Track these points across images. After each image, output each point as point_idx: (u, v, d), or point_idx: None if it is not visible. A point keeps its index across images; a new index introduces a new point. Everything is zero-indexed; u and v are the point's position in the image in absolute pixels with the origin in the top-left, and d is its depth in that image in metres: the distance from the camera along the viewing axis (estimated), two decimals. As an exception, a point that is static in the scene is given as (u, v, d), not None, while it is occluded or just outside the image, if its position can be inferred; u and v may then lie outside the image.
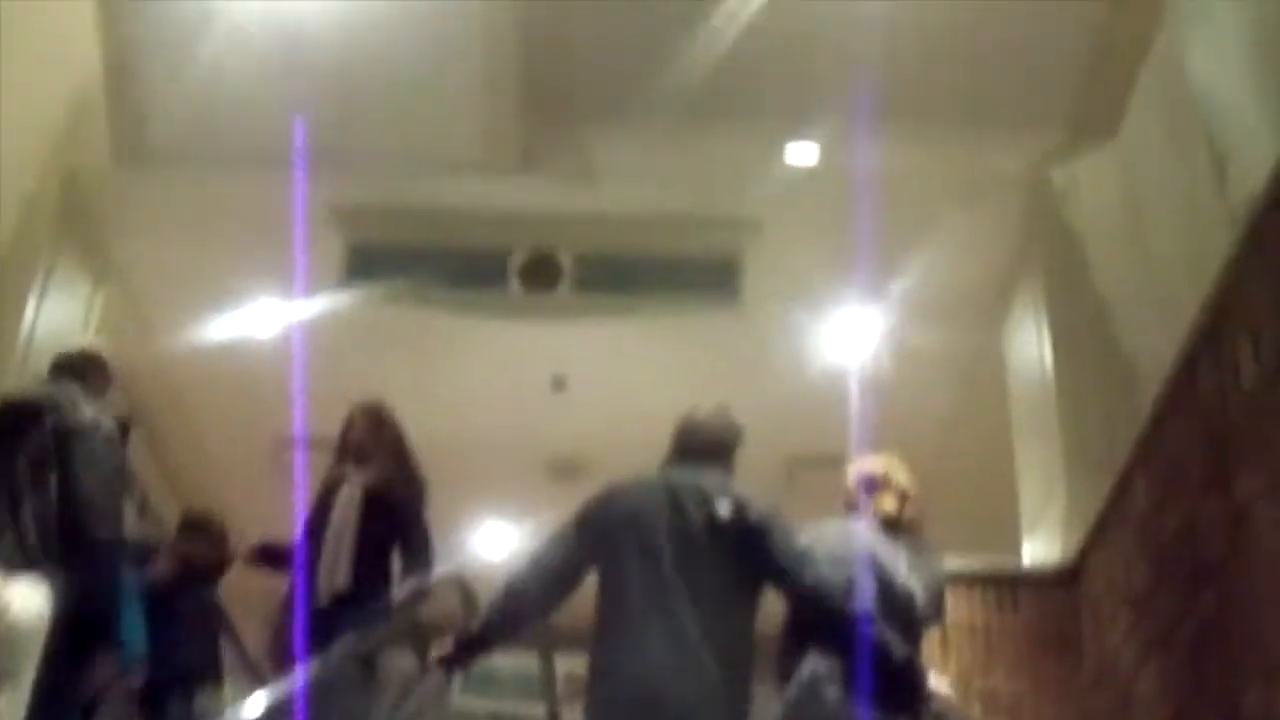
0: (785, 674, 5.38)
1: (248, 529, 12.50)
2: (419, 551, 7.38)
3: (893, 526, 5.75)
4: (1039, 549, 8.86)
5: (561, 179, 9.36)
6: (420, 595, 7.03)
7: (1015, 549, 9.24)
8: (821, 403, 10.32)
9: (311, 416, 11.52)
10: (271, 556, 7.80)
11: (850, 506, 5.91)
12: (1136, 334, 8.30)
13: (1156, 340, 7.37)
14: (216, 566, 8.19)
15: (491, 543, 12.74)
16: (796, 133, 8.83)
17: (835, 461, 6.88)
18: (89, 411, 6.07)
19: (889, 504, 5.81)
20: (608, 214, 9.81)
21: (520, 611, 5.56)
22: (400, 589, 7.14)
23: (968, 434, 10.80)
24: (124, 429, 6.40)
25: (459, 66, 8.60)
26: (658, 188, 9.54)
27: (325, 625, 6.94)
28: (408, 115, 8.82)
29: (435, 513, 12.06)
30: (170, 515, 12.47)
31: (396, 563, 7.42)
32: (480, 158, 9.02)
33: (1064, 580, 7.99)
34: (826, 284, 9.82)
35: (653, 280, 9.91)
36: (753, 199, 9.43)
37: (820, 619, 5.28)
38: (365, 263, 9.92)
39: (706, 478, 5.46)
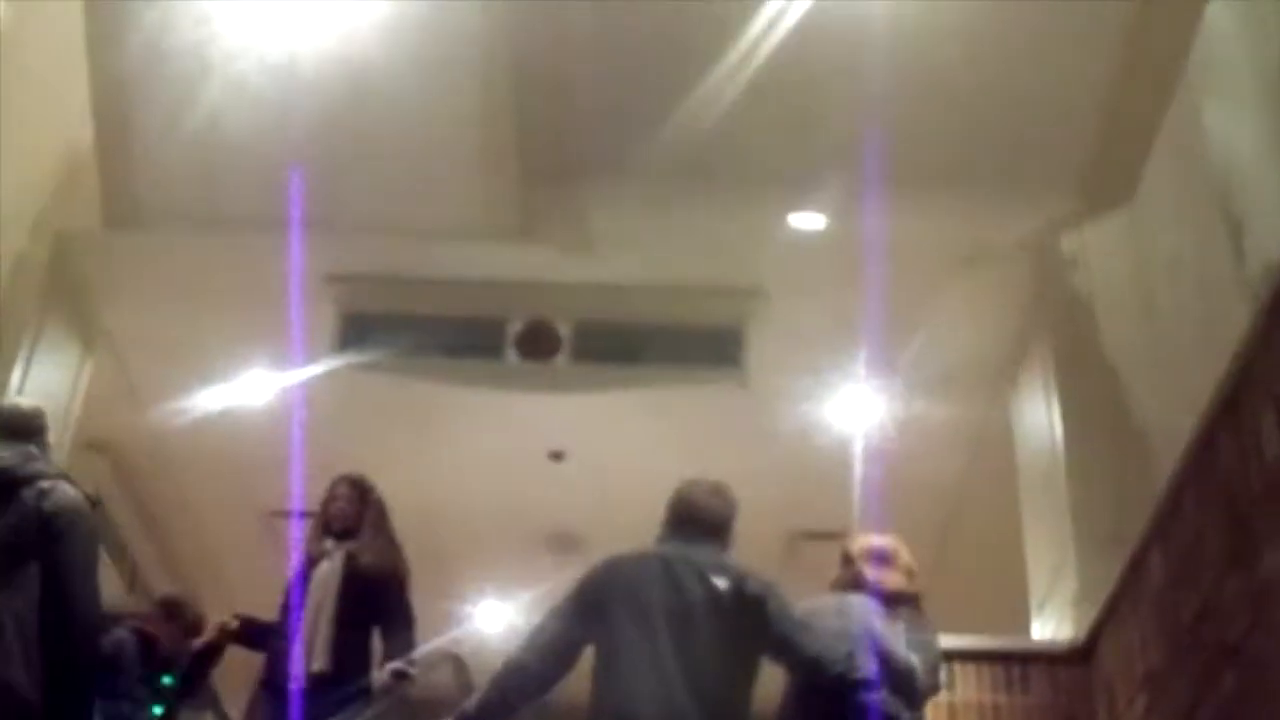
0: None
1: (240, 603, 12.42)
2: (402, 632, 7.02)
3: (895, 601, 5.71)
4: (1049, 626, 8.63)
5: (560, 246, 9.16)
6: (404, 677, 6.75)
7: (1024, 626, 9.03)
8: (825, 476, 10.26)
9: (304, 489, 11.50)
10: (250, 634, 7.43)
11: (846, 579, 5.89)
12: (1148, 405, 8.11)
13: (1169, 411, 7.25)
14: (181, 653, 7.78)
15: (489, 619, 12.64)
16: (800, 200, 8.63)
17: (838, 537, 6.84)
18: (70, 491, 5.53)
19: (896, 579, 5.81)
20: (607, 282, 9.62)
21: (518, 689, 5.42)
22: (382, 671, 6.79)
23: (975, 508, 10.75)
24: (93, 505, 5.94)
25: (456, 131, 8.40)
26: (659, 255, 9.39)
27: (303, 707, 6.63)
28: (404, 180, 8.63)
29: (430, 587, 11.95)
30: (162, 589, 12.45)
31: (378, 643, 7.09)
32: (477, 224, 8.83)
33: (1076, 659, 7.76)
34: (831, 354, 9.66)
35: (653, 350, 9.71)
36: (756, 267, 9.31)
37: (823, 689, 5.24)
38: (359, 331, 9.71)
39: (703, 552, 5.42)
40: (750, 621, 5.23)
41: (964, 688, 7.71)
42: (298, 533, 11.77)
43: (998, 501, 9.94)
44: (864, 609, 5.58)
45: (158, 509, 12.00)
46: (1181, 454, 6.11)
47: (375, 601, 7.03)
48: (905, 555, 5.92)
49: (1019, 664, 7.85)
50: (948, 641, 6.90)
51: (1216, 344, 6.19)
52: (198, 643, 7.62)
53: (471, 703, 5.44)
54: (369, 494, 7.51)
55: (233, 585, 11.82)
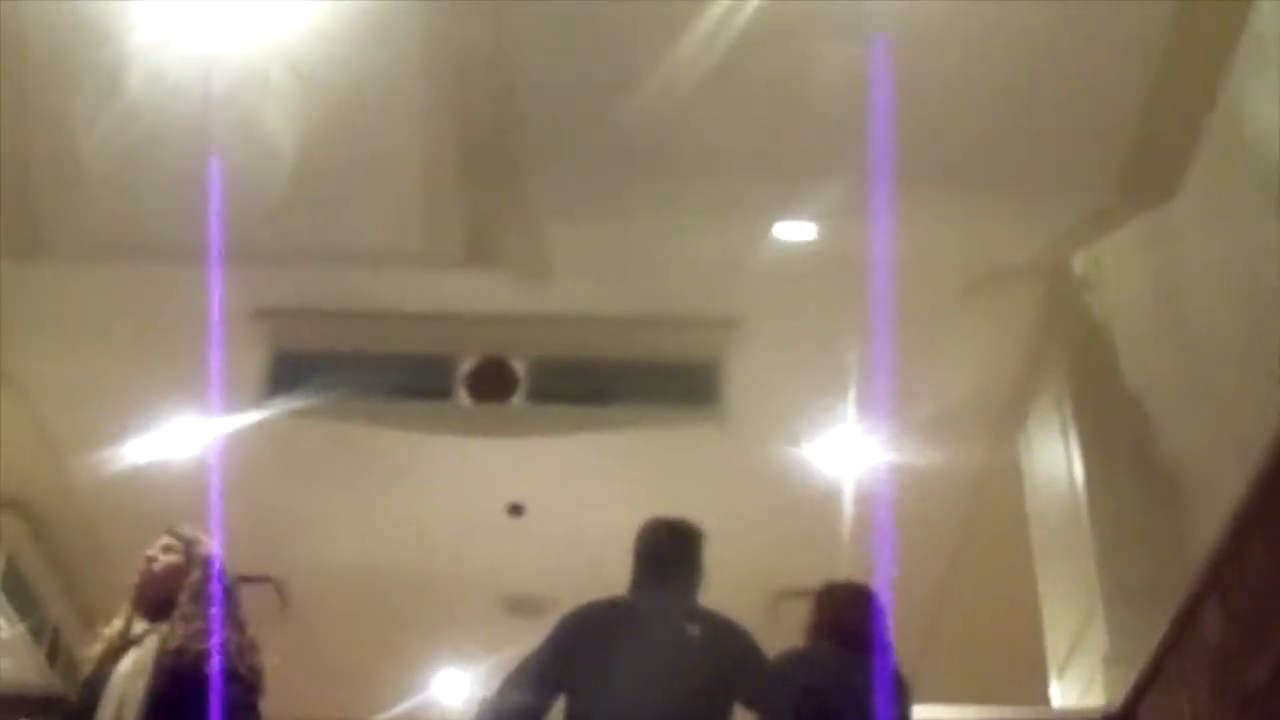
0: None
1: None
2: None
3: (855, 645, 5.59)
4: (1072, 693, 7.93)
5: (514, 273, 8.37)
6: None
7: (1041, 693, 8.42)
8: (813, 527, 9.67)
9: (236, 551, 10.65)
10: None
11: (817, 624, 5.86)
12: (1180, 439, 7.40)
13: (1206, 444, 6.77)
14: None
15: (447, 689, 12.08)
16: (787, 208, 7.76)
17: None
18: None
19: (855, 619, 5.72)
20: (567, 313, 8.86)
21: None
22: None
23: (981, 561, 10.19)
24: None
25: (396, 141, 7.59)
26: (624, 281, 8.62)
27: None
28: (339, 202, 7.85)
29: (381, 655, 11.53)
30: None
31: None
32: (420, 250, 8.03)
33: None
34: (819, 390, 8.99)
35: (619, 389, 8.92)
36: (735, 291, 8.51)
37: None
38: (292, 372, 8.95)
39: (673, 598, 5.41)
40: (723, 668, 5.22)
41: None
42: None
43: (1005, 553, 9.38)
44: (830, 656, 5.56)
45: (79, 570, 11.16)
46: (1245, 491, 5.46)
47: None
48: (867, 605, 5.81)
49: None
50: (962, 714, 7.20)
51: (1264, 362, 5.96)
52: None
53: None
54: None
55: None
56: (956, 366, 8.70)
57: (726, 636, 5.31)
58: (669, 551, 5.55)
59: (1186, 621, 6.14)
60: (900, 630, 10.52)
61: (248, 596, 11.34)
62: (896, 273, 7.71)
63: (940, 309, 8.33)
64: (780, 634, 6.14)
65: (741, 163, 7.26)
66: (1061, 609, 8.27)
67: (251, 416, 8.89)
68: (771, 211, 7.71)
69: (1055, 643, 8.31)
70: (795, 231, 7.84)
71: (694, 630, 5.25)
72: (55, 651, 11.11)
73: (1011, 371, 8.90)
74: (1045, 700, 8.24)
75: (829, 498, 9.65)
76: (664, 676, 5.13)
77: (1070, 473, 8.10)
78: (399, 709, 11.57)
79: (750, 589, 10.18)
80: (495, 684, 5.38)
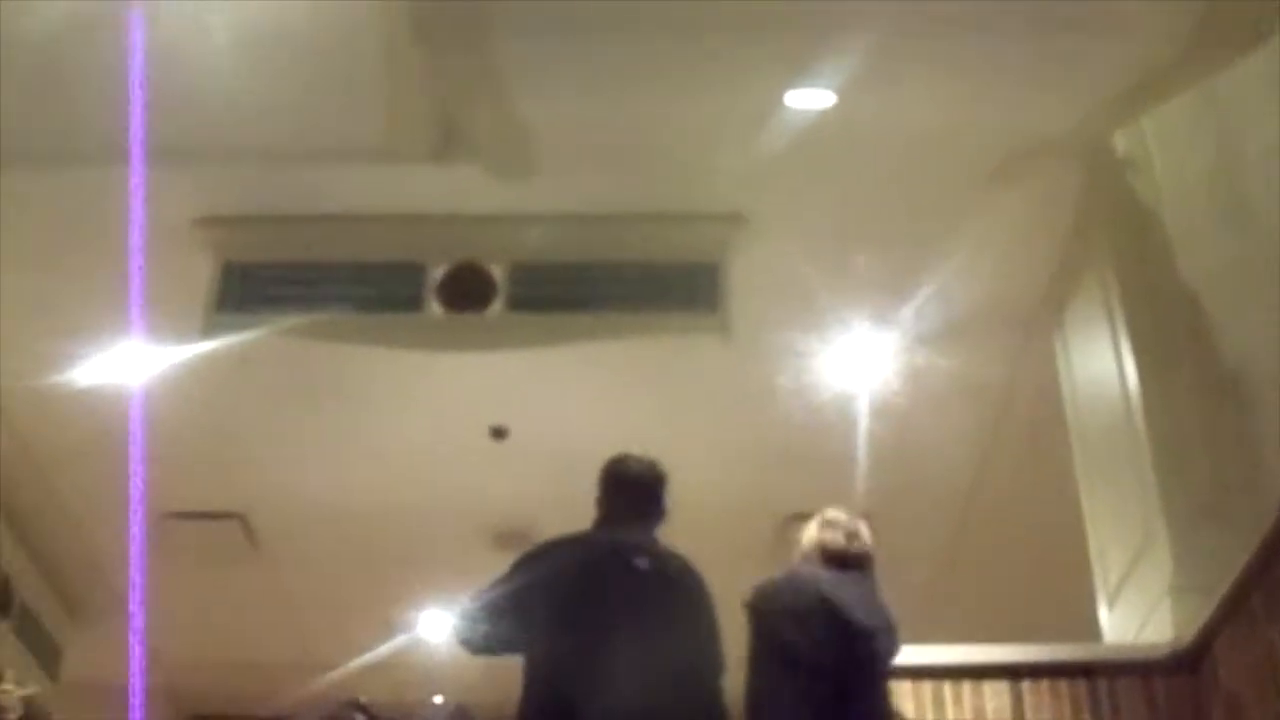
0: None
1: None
2: None
3: (840, 563, 5.45)
4: (1126, 626, 7.17)
5: (488, 167, 7.65)
6: None
7: (1085, 627, 7.74)
8: (824, 445, 9.15)
9: (194, 486, 10.06)
10: None
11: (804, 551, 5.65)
12: (1241, 333, 6.80)
13: (1270, 338, 6.19)
14: None
15: (433, 628, 11.59)
16: (793, 82, 6.94)
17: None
18: None
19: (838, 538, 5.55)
20: (549, 210, 8.13)
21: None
22: None
23: (1010, 478, 9.61)
24: None
25: (345, 20, 6.79)
26: (613, 172, 7.82)
27: None
28: (283, 92, 7.19)
29: (362, 595, 11.04)
30: (49, 607, 10.80)
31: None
32: (380, 143, 7.42)
33: (1180, 668, 6.30)
34: (829, 291, 8.26)
35: (609, 294, 8.21)
36: (737, 184, 7.79)
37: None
38: (242, 285, 8.25)
39: (629, 533, 5.55)
40: (673, 600, 5.36)
41: (1035, 713, 6.32)
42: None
43: (1039, 470, 8.91)
44: (815, 576, 5.37)
45: (28, 514, 10.54)
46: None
47: None
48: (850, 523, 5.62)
49: (1105, 678, 6.39)
50: (1009, 654, 6.46)
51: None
52: None
53: None
54: None
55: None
56: (984, 260, 7.99)
57: (677, 573, 5.44)
58: (630, 489, 5.68)
59: (1273, 547, 5.45)
60: (916, 559, 10.18)
61: (211, 535, 10.79)
62: (918, 154, 7.31)
63: (966, 195, 7.64)
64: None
65: (748, 17, 6.45)
66: (1112, 531, 7.53)
67: (200, 337, 8.23)
68: (783, 77, 6.90)
69: (1104, 570, 7.58)
70: (810, 100, 7.00)
71: (643, 563, 5.38)
72: (7, 602, 10.54)
73: (1046, 265, 8.19)
74: (1091, 635, 7.54)
75: (842, 412, 9.05)
76: (616, 611, 5.26)
77: (1120, 376, 7.34)
78: (380, 651, 11.23)
79: (757, 512, 9.94)
80: (460, 611, 5.55)
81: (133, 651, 5.66)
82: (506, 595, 5.40)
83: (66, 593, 11.19)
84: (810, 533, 5.54)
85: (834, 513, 5.60)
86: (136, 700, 5.44)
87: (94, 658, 9.88)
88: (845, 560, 5.39)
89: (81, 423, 9.09)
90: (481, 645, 5.48)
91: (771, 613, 5.19)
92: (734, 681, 5.23)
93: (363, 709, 5.92)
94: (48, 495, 10.30)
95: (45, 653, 11.04)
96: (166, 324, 8.10)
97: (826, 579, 5.29)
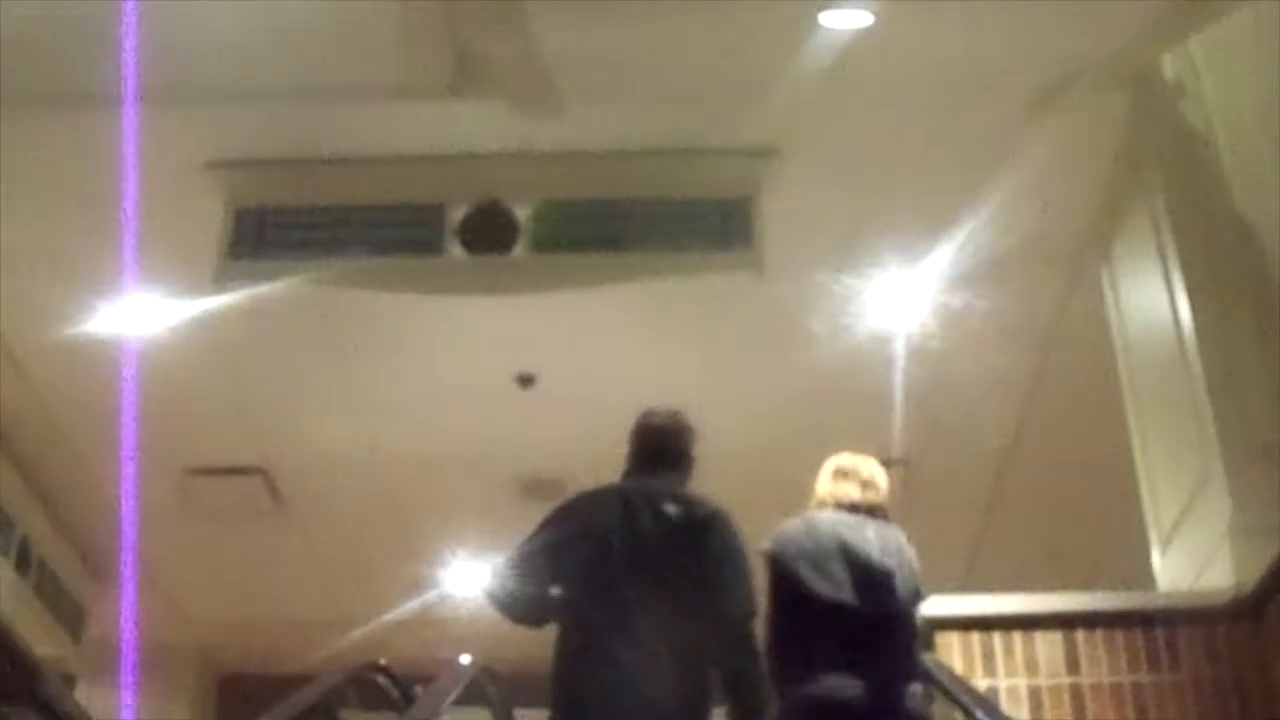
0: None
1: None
2: None
3: (856, 511, 5.42)
4: (1182, 570, 6.88)
5: (509, 101, 7.39)
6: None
7: (1134, 572, 7.52)
8: (859, 386, 8.95)
9: (216, 441, 9.89)
10: None
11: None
12: None
13: None
14: None
15: (461, 582, 11.38)
16: (826, 5, 6.69)
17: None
18: None
19: (851, 491, 5.48)
20: (573, 146, 7.88)
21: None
22: None
23: (1055, 418, 9.32)
24: None
25: None
26: (640, 105, 7.62)
27: None
28: (295, 29, 7.02)
29: (388, 549, 10.94)
30: (70, 567, 10.64)
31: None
32: (397, 79, 7.29)
33: (1241, 614, 6.06)
34: (866, 226, 8.06)
35: (638, 232, 7.93)
36: (769, 114, 7.42)
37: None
38: (257, 231, 8.01)
39: (659, 483, 5.60)
40: (701, 548, 5.37)
41: (1091, 665, 6.08)
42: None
43: (1085, 409, 8.71)
44: (831, 520, 5.32)
45: (45, 471, 10.41)
46: None
47: None
48: (865, 470, 5.55)
49: (1163, 626, 6.15)
50: (1063, 603, 6.28)
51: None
52: None
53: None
54: None
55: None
56: (1026, 194, 7.66)
57: (702, 514, 5.42)
58: (655, 438, 5.73)
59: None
60: (959, 505, 9.94)
61: (235, 491, 10.61)
62: (957, 82, 7.07)
63: (1008, 125, 7.35)
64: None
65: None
66: (1165, 473, 7.27)
67: (214, 285, 8.01)
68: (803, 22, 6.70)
69: (1157, 513, 7.33)
70: (846, 20, 6.74)
71: (672, 509, 5.41)
72: (25, 563, 10.43)
73: (1092, 198, 7.92)
74: (1144, 582, 7.29)
75: (878, 353, 8.83)
76: (646, 558, 5.32)
77: (1173, 310, 7.07)
78: (409, 606, 11.17)
79: (785, 467, 9.45)
80: (493, 570, 5.52)
81: (125, 610, 5.37)
82: (535, 552, 5.44)
83: (88, 552, 11.02)
84: (823, 483, 5.48)
85: (848, 460, 5.56)
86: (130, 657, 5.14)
87: (118, 617, 9.74)
88: (858, 510, 5.33)
89: (96, 377, 8.93)
90: (511, 606, 5.47)
91: (789, 557, 5.14)
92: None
93: (384, 670, 5.69)
94: (66, 452, 10.15)
95: (67, 613, 10.92)
96: (178, 272, 8.14)
97: (843, 521, 5.24)
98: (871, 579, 5.08)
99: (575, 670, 5.25)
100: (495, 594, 5.50)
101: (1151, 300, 7.39)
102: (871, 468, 5.51)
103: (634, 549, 5.35)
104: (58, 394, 9.53)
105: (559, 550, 5.45)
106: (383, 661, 5.75)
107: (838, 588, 5.02)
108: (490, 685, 6.11)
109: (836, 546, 5.13)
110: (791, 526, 5.34)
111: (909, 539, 5.25)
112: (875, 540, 5.21)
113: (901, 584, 5.13)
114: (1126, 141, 7.57)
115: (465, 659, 5.91)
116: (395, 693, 5.74)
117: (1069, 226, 8.06)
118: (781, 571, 5.13)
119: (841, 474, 5.49)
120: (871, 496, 5.41)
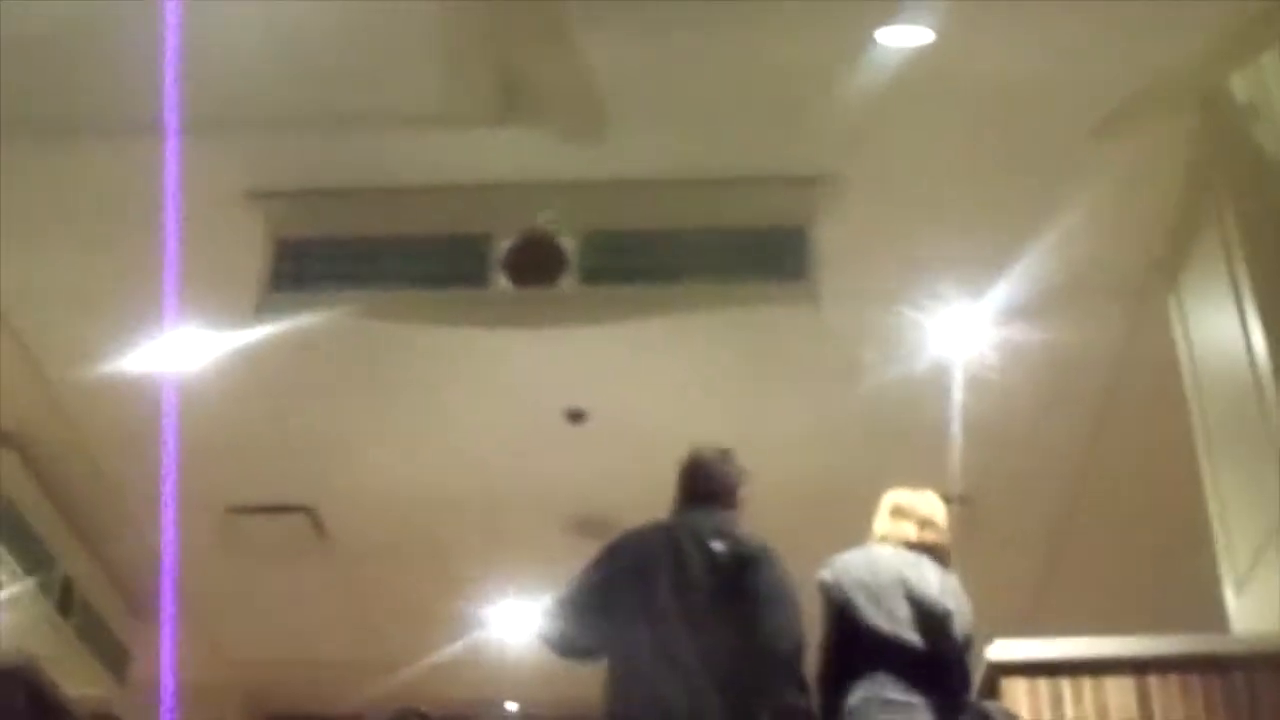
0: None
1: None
2: None
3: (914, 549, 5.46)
4: (1256, 613, 6.79)
5: (556, 129, 7.42)
6: None
7: (1209, 616, 7.41)
8: (918, 420, 8.89)
9: (259, 478, 9.93)
10: None
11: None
12: None
13: None
14: None
15: (509, 621, 11.36)
16: (886, 19, 6.60)
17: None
18: None
19: (909, 530, 5.53)
20: (622, 175, 7.83)
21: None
22: None
23: (1121, 455, 9.23)
24: None
25: None
26: (690, 132, 7.54)
27: None
28: (337, 57, 7.00)
29: (434, 587, 10.86)
30: (113, 607, 10.88)
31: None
32: (441, 108, 7.27)
33: None
34: (925, 256, 7.97)
35: (689, 263, 7.91)
36: (824, 141, 7.43)
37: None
38: (297, 263, 8.03)
39: (707, 519, 5.58)
40: (749, 584, 5.36)
41: (1165, 712, 5.80)
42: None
43: (1153, 445, 8.54)
44: (891, 556, 5.39)
45: (87, 510, 10.42)
46: None
47: None
48: (922, 505, 5.61)
49: (1242, 671, 5.87)
50: (1134, 647, 6.04)
51: None
52: None
53: None
54: None
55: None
56: (1090, 221, 7.58)
57: (748, 550, 5.40)
58: (710, 476, 5.71)
59: None
60: (1023, 544, 9.76)
61: (279, 529, 10.56)
62: (1019, 104, 6.96)
63: (1072, 149, 7.27)
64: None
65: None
66: (1239, 512, 7.13)
67: (254, 317, 8.04)
68: (876, 10, 6.57)
69: (1231, 554, 7.21)
70: (906, 37, 6.66)
71: (719, 546, 5.41)
72: (68, 603, 10.43)
73: (1159, 224, 7.80)
74: (1218, 625, 7.18)
75: (937, 386, 8.73)
76: (696, 598, 5.31)
77: (1246, 341, 6.95)
78: (455, 647, 11.14)
79: (845, 493, 9.40)
80: (543, 609, 5.56)
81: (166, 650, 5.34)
82: (585, 590, 5.47)
83: (131, 593, 10.96)
84: (881, 520, 5.52)
85: (906, 498, 5.59)
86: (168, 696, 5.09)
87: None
88: (915, 549, 5.36)
89: (137, 413, 8.65)
90: (563, 645, 5.52)
91: (847, 587, 5.19)
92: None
93: (423, 717, 5.59)
94: (107, 491, 10.11)
95: (111, 654, 10.91)
96: (219, 303, 8.07)
97: (904, 558, 5.27)
98: (932, 618, 5.09)
99: (624, 708, 5.25)
100: (548, 634, 5.55)
101: (1222, 330, 7.25)
102: (931, 504, 5.52)
103: (681, 586, 5.37)
104: (99, 432, 9.48)
105: (608, 588, 5.46)
106: (423, 709, 5.68)
107: (896, 624, 5.05)
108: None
109: (897, 581, 5.16)
110: (851, 557, 5.37)
111: (969, 579, 5.23)
112: (935, 579, 5.21)
113: (958, 626, 5.12)
114: (1195, 166, 7.43)
115: (510, 706, 5.85)
116: (432, 738, 5.70)
117: (1135, 254, 7.95)
118: (838, 601, 5.17)
119: (900, 512, 5.50)
120: (929, 536, 5.42)
